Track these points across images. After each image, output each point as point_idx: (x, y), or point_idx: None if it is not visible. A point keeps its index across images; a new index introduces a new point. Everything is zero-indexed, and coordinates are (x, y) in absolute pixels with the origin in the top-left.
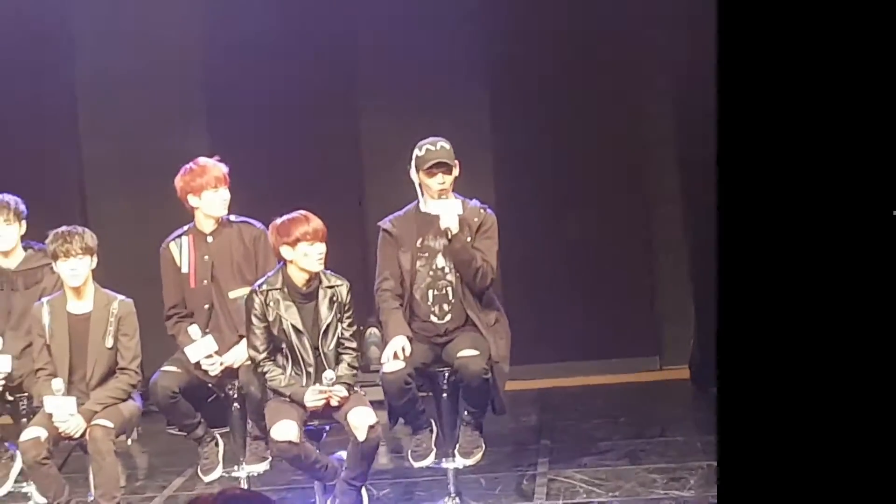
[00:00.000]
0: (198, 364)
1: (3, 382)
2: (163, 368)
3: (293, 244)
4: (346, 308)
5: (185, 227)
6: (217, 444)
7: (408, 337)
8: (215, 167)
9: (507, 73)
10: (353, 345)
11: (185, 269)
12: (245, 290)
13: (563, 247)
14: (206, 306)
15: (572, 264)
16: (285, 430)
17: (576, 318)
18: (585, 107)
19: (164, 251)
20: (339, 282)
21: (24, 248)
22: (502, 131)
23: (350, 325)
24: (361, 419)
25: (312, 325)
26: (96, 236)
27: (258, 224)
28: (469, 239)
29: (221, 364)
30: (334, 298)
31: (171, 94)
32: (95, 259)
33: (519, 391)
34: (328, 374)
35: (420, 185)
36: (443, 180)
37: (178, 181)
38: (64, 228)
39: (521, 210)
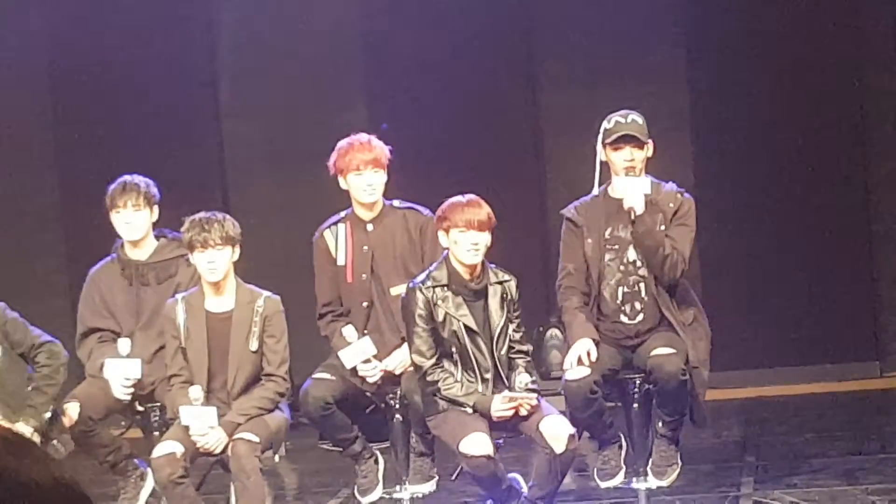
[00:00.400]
0: (354, 370)
1: (132, 390)
2: (315, 376)
3: (447, 230)
4: (516, 307)
5: (342, 214)
6: (377, 462)
7: (594, 340)
8: (363, 146)
9: (707, 36)
10: (526, 348)
11: (341, 262)
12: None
13: (772, 237)
14: (365, 304)
15: (781, 257)
16: (479, 443)
17: (785, 319)
18: (801, 76)
19: (318, 241)
20: (507, 277)
21: (157, 238)
22: (703, 106)
23: (519, 325)
24: (559, 429)
25: (484, 326)
26: (238, 224)
27: (425, 211)
28: (662, 227)
29: (381, 370)
30: (505, 295)
31: (324, 65)
32: (238, 250)
33: (720, 401)
34: (523, 378)
35: (607, 163)
36: (631, 156)
37: (331, 160)
38: (202, 215)
39: (723, 195)
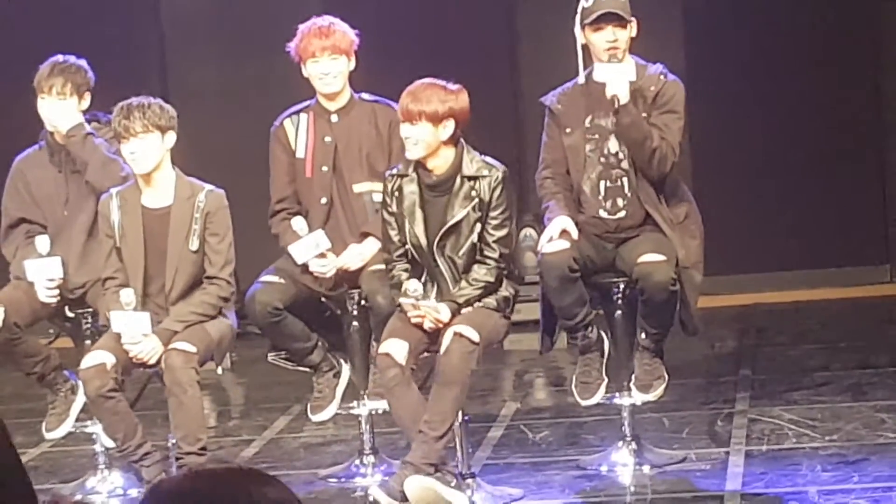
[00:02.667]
0: (306, 267)
1: (56, 292)
2: (262, 279)
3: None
4: (492, 205)
5: (306, 103)
6: (336, 376)
7: (573, 220)
8: (321, 31)
9: None
10: (495, 253)
11: (300, 154)
12: (372, 186)
13: (773, 127)
14: (324, 200)
15: (783, 150)
16: (393, 349)
17: (785, 217)
18: None
19: (277, 130)
20: (485, 172)
21: (90, 122)
22: None
23: (497, 226)
24: (459, 330)
25: (441, 224)
26: (174, 109)
27: (395, 105)
28: (645, 115)
29: (336, 267)
30: (473, 193)
31: None
32: (170, 137)
33: (713, 308)
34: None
35: (587, 46)
36: (613, 37)
37: (291, 45)
38: (127, 102)
39: (718, 79)
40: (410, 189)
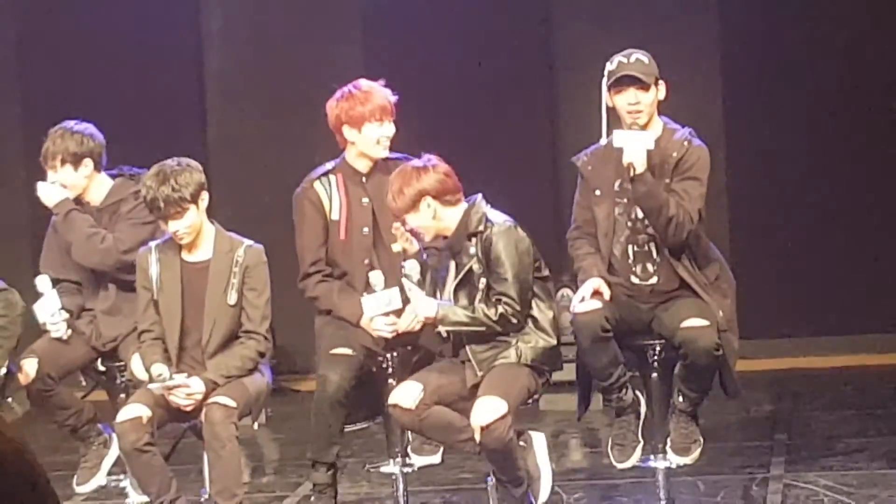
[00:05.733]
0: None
1: (65, 326)
2: (333, 351)
3: None
4: (491, 260)
5: (332, 164)
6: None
7: (606, 281)
8: (381, 94)
9: None
10: (499, 305)
11: (334, 216)
12: (406, 244)
13: (812, 187)
14: (367, 261)
15: (821, 211)
16: (406, 393)
17: (823, 282)
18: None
19: (306, 192)
20: (481, 227)
21: (114, 178)
22: (735, 38)
23: (498, 280)
24: (485, 407)
25: (454, 278)
26: (214, 162)
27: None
28: (667, 180)
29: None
30: (473, 250)
31: None
32: (205, 199)
33: (749, 373)
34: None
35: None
36: (635, 99)
37: (334, 108)
38: (154, 189)
39: (757, 139)
40: (434, 259)
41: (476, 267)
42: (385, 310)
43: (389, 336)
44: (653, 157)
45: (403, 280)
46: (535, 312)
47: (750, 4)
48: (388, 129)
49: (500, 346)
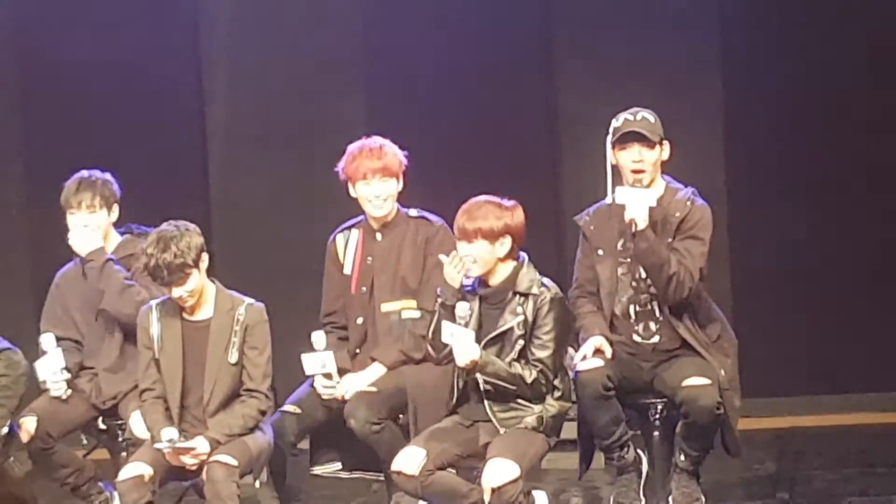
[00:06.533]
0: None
1: (65, 386)
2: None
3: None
4: (536, 325)
5: (359, 218)
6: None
7: (608, 339)
8: (372, 153)
9: (745, 21)
10: (534, 369)
11: (347, 270)
12: (406, 304)
13: (812, 245)
14: (360, 320)
15: (822, 268)
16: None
17: (825, 339)
18: (859, 53)
19: (331, 244)
20: (535, 290)
21: (123, 234)
22: (738, 100)
23: (540, 346)
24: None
25: (487, 333)
26: (220, 220)
27: (437, 220)
28: (669, 239)
29: (337, 395)
30: (520, 309)
31: (321, 48)
32: (205, 260)
33: (750, 431)
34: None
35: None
36: (639, 157)
37: (340, 165)
38: (155, 257)
39: (759, 199)
40: (472, 301)
41: (517, 327)
42: (320, 371)
43: (326, 398)
44: (655, 216)
45: (444, 323)
46: (556, 381)
47: (754, 61)
48: (380, 188)
49: (520, 409)
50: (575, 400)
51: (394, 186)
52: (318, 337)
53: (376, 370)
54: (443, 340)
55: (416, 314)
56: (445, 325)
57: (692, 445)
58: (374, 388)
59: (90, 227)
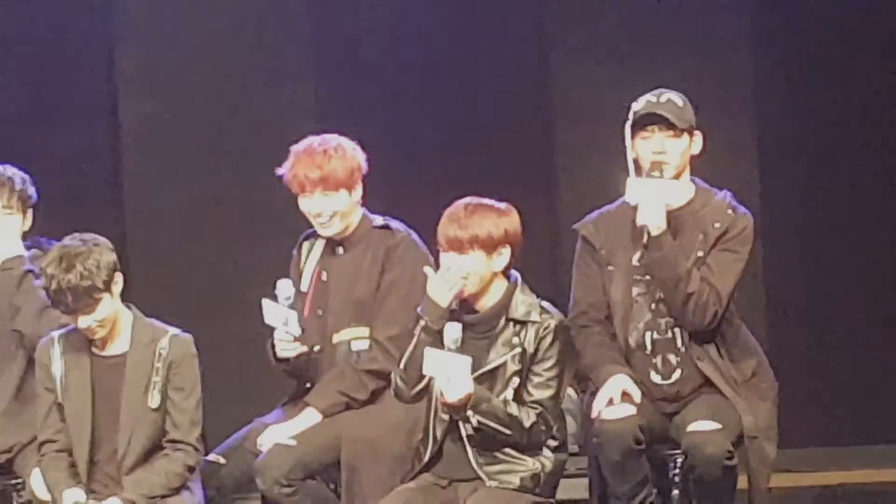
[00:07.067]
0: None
1: None
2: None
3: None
4: (536, 359)
5: None
6: None
7: (632, 378)
8: (312, 160)
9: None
10: (531, 414)
11: (304, 287)
12: (358, 332)
13: (863, 267)
14: (317, 348)
15: (875, 295)
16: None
17: (877, 380)
18: None
19: (295, 253)
20: (535, 317)
21: (30, 248)
22: (772, 89)
23: (540, 385)
24: None
25: (473, 370)
26: (136, 234)
27: (401, 228)
28: (700, 254)
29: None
30: (516, 340)
31: (257, 20)
32: (119, 282)
33: (792, 489)
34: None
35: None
36: (661, 147)
37: (282, 169)
38: (59, 276)
39: (799, 207)
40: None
41: (513, 362)
42: (281, 328)
43: (281, 356)
44: (681, 220)
45: (428, 351)
46: (554, 429)
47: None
48: (323, 203)
49: (511, 462)
50: (578, 452)
51: (342, 201)
52: (285, 286)
53: (308, 417)
54: (424, 372)
55: (365, 345)
56: (430, 353)
57: (703, 502)
58: (292, 442)
59: (4, 230)
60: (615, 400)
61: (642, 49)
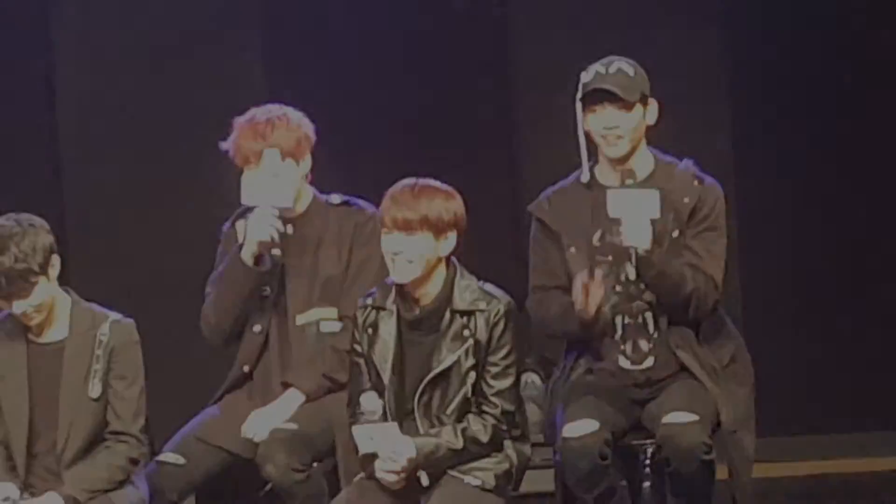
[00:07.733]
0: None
1: None
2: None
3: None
4: (491, 348)
5: None
6: None
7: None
8: (255, 130)
9: None
10: (495, 409)
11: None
12: (325, 312)
13: (844, 244)
14: (258, 329)
15: (854, 277)
16: None
17: (863, 363)
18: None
19: (228, 232)
20: (482, 304)
21: None
22: (743, 50)
23: (498, 375)
24: None
25: (423, 373)
26: (76, 214)
27: (369, 207)
28: (676, 233)
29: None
30: (466, 332)
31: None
32: (56, 265)
33: (770, 479)
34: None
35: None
36: (612, 122)
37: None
38: None
39: (775, 179)
40: (387, 327)
41: (466, 357)
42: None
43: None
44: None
45: (357, 429)
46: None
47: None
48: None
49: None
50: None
51: (290, 170)
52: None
53: (293, 399)
54: (362, 453)
55: (337, 326)
56: (358, 431)
57: (682, 497)
58: (293, 426)
59: None
60: (579, 297)
61: (611, 22)
